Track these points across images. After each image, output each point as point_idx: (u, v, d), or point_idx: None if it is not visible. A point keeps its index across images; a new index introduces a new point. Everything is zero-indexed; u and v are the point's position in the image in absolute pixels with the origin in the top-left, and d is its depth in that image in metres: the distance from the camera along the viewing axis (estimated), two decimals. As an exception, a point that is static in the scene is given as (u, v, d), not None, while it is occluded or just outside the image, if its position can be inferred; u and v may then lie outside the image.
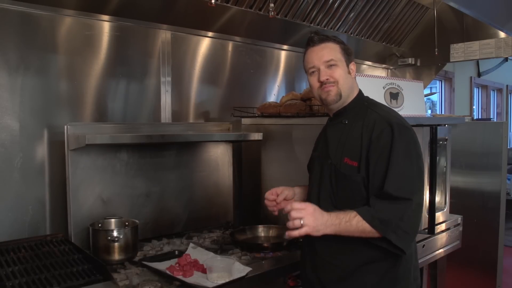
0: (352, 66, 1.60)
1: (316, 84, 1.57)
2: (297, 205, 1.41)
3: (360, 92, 1.63)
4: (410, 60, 3.86)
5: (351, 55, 1.60)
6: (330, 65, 1.54)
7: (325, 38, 1.57)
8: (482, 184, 3.24)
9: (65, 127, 1.91)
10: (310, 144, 1.81)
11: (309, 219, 1.38)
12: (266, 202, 1.68)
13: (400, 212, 1.41)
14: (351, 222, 1.41)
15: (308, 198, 1.67)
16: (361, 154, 1.49)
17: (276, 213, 1.69)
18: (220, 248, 2.02)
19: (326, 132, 1.67)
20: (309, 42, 1.58)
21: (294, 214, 1.39)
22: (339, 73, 1.55)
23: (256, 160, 2.52)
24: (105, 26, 2.18)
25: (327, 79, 1.54)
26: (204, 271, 1.66)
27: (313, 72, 1.57)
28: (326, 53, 1.55)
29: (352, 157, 1.51)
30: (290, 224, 1.40)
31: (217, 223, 2.44)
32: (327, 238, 1.47)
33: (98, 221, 1.96)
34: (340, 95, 1.56)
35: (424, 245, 2.39)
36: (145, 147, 2.19)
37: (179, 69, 2.48)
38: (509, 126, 6.97)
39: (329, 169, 1.57)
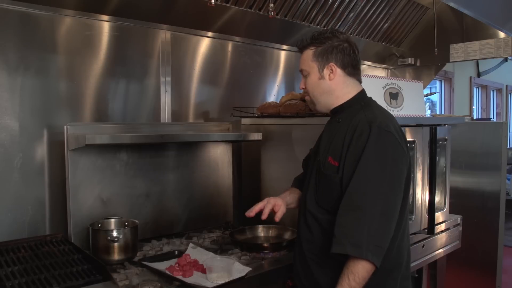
0: (331, 67, 1.55)
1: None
2: None
3: (360, 92, 1.60)
4: (410, 60, 3.86)
5: (332, 54, 1.54)
6: (304, 75, 1.63)
7: (305, 44, 1.61)
8: (481, 184, 3.24)
9: (65, 127, 1.91)
10: (310, 144, 1.82)
11: None
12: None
13: (363, 228, 1.34)
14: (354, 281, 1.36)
15: (303, 194, 1.70)
16: (341, 154, 1.47)
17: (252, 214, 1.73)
18: (220, 248, 2.02)
19: (324, 129, 1.70)
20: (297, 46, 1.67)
21: None
22: (308, 82, 1.61)
23: (256, 160, 2.51)
24: (105, 26, 2.18)
25: (302, 88, 1.66)
26: (203, 271, 1.66)
27: None
28: (300, 63, 1.63)
29: (335, 156, 1.51)
30: None
31: (216, 223, 2.44)
32: (308, 232, 1.55)
33: (98, 221, 1.95)
34: (313, 103, 1.65)
35: (423, 245, 2.39)
36: (144, 147, 2.19)
37: (179, 69, 2.48)
38: (508, 126, 6.97)
39: (316, 166, 1.60)
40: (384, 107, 2.14)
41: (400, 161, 1.44)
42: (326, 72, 1.56)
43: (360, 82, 1.62)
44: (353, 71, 1.59)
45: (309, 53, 1.59)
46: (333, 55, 1.56)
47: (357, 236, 1.35)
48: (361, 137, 1.43)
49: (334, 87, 1.58)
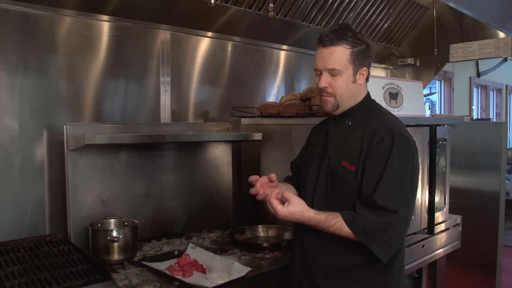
0: (363, 71, 1.53)
1: (317, 85, 1.55)
2: (280, 210, 1.46)
3: (367, 95, 1.60)
4: (410, 60, 3.86)
5: (365, 58, 1.52)
6: (332, 74, 1.49)
7: (336, 39, 1.46)
8: (481, 184, 3.24)
9: (65, 127, 1.91)
10: (310, 144, 1.81)
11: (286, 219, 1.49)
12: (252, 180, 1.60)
13: (384, 225, 1.41)
14: (329, 230, 1.44)
15: (303, 197, 1.64)
16: (360, 159, 1.48)
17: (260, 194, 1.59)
18: (220, 248, 2.02)
19: (328, 130, 1.65)
20: (319, 41, 1.50)
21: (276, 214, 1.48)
22: (340, 83, 1.50)
23: (256, 160, 2.51)
24: (105, 26, 2.18)
25: (325, 87, 1.51)
26: (203, 271, 1.66)
27: (317, 74, 1.54)
28: (331, 61, 1.48)
29: (351, 161, 1.50)
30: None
31: (216, 223, 2.44)
32: (317, 238, 1.50)
33: (98, 221, 1.95)
34: (337, 106, 1.54)
35: (423, 245, 2.40)
36: (144, 147, 2.19)
37: (179, 69, 2.48)
38: (508, 126, 6.98)
39: (326, 170, 1.56)
40: (384, 107, 2.14)
41: (417, 167, 1.51)
42: (358, 76, 1.52)
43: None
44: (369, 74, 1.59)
45: (345, 52, 1.47)
46: (366, 60, 1.52)
47: (372, 228, 1.41)
48: (382, 143, 1.45)
49: (359, 91, 1.56)
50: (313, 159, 1.66)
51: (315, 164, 1.63)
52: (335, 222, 1.43)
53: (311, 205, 1.58)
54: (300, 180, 1.75)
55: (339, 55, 1.47)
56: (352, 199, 1.48)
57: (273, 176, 1.57)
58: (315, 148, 1.68)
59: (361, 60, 1.50)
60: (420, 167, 2.30)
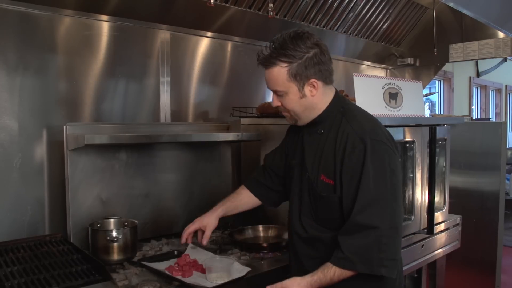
0: (313, 83, 1.42)
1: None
2: None
3: (334, 98, 1.51)
4: (409, 60, 3.86)
5: (311, 68, 1.40)
6: (277, 94, 1.46)
7: (269, 61, 1.41)
8: (481, 184, 3.25)
9: (64, 127, 1.91)
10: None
11: None
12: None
13: (374, 245, 1.34)
14: (333, 281, 1.36)
15: (290, 209, 1.64)
16: (335, 172, 1.42)
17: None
18: (219, 248, 2.02)
19: (303, 139, 1.58)
20: (257, 60, 1.47)
21: None
22: (288, 101, 1.45)
23: (255, 160, 2.51)
24: (104, 26, 2.18)
25: (278, 105, 1.49)
26: (203, 271, 1.66)
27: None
28: (272, 83, 1.44)
29: (328, 174, 1.44)
30: None
31: (216, 223, 2.44)
32: (312, 250, 1.48)
33: (97, 221, 1.95)
34: (296, 120, 1.51)
35: (423, 245, 2.40)
36: (144, 147, 2.19)
37: (178, 69, 2.48)
38: (508, 126, 6.98)
39: (307, 184, 1.52)
40: (384, 107, 2.14)
41: (396, 169, 1.42)
42: (307, 89, 1.43)
43: (333, 82, 1.52)
44: (330, 77, 1.48)
45: (281, 71, 1.39)
46: (312, 70, 1.40)
47: (368, 255, 1.34)
48: (355, 153, 1.38)
49: (316, 101, 1.47)
50: (294, 170, 1.61)
51: (297, 177, 1.58)
52: (334, 271, 1.35)
53: (299, 220, 1.55)
54: (286, 190, 1.71)
55: (276, 76, 1.41)
56: (336, 213, 1.44)
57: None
58: (294, 159, 1.63)
59: (304, 73, 1.40)
60: (420, 167, 2.32)
